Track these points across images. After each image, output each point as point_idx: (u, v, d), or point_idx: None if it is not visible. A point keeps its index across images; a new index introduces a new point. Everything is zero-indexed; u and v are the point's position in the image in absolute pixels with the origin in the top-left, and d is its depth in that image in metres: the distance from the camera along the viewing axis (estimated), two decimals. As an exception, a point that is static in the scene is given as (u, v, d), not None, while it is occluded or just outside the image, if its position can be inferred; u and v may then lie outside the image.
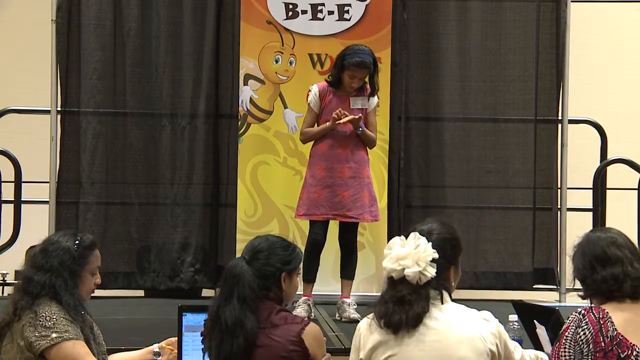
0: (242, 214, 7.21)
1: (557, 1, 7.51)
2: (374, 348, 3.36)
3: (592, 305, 3.52)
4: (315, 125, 6.26)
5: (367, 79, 6.19)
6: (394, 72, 7.33)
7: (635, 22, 9.84)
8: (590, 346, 3.41)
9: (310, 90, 6.32)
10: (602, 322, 3.44)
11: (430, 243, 3.36)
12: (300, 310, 6.00)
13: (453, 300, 3.48)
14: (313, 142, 6.25)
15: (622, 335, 3.42)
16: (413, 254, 3.33)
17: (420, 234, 3.39)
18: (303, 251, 6.14)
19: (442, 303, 3.37)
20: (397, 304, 3.33)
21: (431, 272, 3.33)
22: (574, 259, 3.63)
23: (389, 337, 3.34)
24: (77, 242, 3.95)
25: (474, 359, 3.30)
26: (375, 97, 6.27)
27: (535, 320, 4.14)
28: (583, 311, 3.48)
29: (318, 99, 6.21)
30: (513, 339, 4.32)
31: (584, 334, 3.44)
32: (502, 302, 6.83)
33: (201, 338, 3.60)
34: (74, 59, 7.37)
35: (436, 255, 3.34)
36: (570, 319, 3.50)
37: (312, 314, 6.15)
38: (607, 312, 3.46)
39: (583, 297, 3.63)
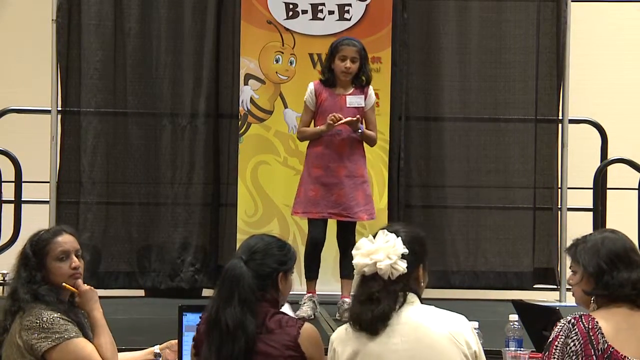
0: (242, 213, 7.21)
1: (558, 1, 7.51)
2: None
3: (582, 313, 3.45)
4: (312, 122, 6.26)
5: (360, 84, 6.17)
6: (394, 72, 7.34)
7: (635, 22, 9.82)
8: (579, 358, 3.36)
9: None
10: (591, 334, 3.36)
11: (399, 238, 3.36)
12: (305, 308, 6.04)
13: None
14: (309, 142, 6.27)
15: (612, 348, 3.35)
16: (384, 247, 3.33)
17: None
18: (304, 250, 6.20)
19: (410, 305, 3.34)
20: (365, 302, 3.32)
21: (402, 266, 3.31)
22: (582, 252, 3.50)
23: (362, 348, 3.31)
24: (34, 239, 3.97)
25: None
26: (373, 95, 6.27)
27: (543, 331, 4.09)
28: (573, 320, 3.39)
29: (314, 97, 6.21)
30: (513, 339, 4.35)
31: (574, 344, 3.36)
32: (502, 302, 6.84)
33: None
34: (74, 58, 7.37)
35: (406, 251, 3.33)
36: (559, 327, 3.41)
37: (317, 311, 6.16)
38: (597, 322, 3.38)
39: (588, 294, 3.48)
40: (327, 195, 6.13)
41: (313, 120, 6.25)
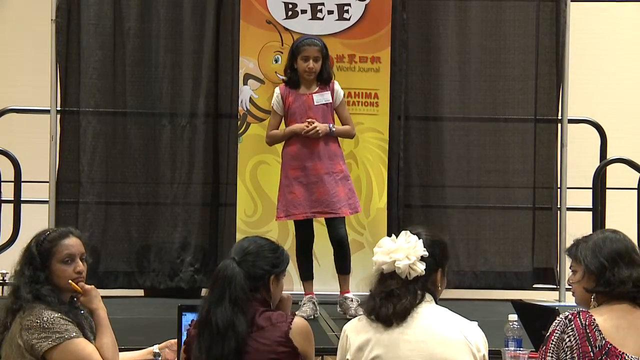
0: (241, 213, 7.21)
1: (557, 1, 7.51)
2: (360, 348, 3.40)
3: (580, 310, 3.47)
4: (283, 124, 6.27)
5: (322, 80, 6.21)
6: (393, 72, 7.34)
7: (635, 22, 9.83)
8: (575, 354, 3.38)
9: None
10: (588, 330, 3.39)
11: (421, 241, 3.43)
12: (305, 309, 6.05)
13: (446, 299, 3.52)
14: (283, 143, 6.29)
15: (610, 344, 3.38)
16: (404, 247, 3.41)
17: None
18: (295, 252, 6.19)
19: (428, 303, 3.42)
20: (385, 298, 3.40)
21: (420, 267, 3.39)
22: (583, 251, 3.54)
23: (376, 336, 3.38)
24: (41, 238, 3.94)
25: None
26: (340, 90, 6.29)
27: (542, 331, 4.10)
28: (570, 316, 3.44)
29: (281, 101, 6.24)
30: (513, 339, 4.34)
31: (569, 340, 3.40)
32: (502, 302, 6.84)
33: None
34: (73, 58, 7.37)
35: (426, 254, 3.41)
36: (556, 322, 3.47)
37: (317, 312, 6.16)
38: (594, 319, 3.41)
39: (590, 291, 3.52)
40: (308, 195, 6.14)
41: (284, 123, 6.28)
